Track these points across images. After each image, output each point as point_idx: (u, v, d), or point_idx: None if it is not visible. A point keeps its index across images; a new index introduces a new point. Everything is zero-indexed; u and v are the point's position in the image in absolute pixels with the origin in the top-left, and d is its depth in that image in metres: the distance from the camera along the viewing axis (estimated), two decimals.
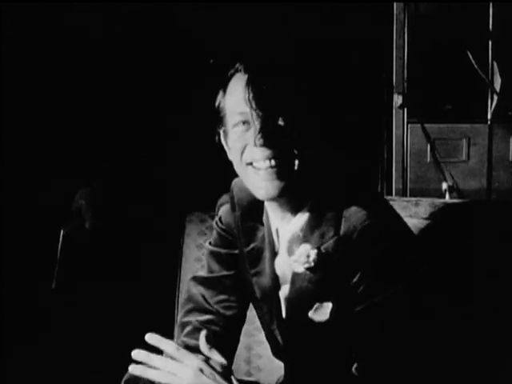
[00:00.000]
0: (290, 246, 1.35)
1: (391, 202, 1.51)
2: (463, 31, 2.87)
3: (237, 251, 1.49)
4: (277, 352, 1.51)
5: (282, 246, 1.38)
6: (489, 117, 2.93)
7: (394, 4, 2.91)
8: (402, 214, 1.42)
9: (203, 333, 1.29)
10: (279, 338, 1.45)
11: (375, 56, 2.85)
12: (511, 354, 1.51)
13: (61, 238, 2.15)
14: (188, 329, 1.50)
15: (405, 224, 1.35)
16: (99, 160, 2.47)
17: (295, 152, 1.28)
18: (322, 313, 1.31)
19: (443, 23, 2.88)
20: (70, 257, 2.19)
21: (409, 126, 2.94)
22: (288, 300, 1.38)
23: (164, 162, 2.59)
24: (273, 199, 1.32)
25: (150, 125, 2.59)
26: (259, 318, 1.53)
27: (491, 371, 1.52)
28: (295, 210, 1.35)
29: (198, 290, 1.54)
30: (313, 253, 1.30)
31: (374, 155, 2.91)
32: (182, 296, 1.67)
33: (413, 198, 1.70)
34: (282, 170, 1.28)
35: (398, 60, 2.92)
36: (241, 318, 1.55)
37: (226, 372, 1.24)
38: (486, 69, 2.88)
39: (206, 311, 1.51)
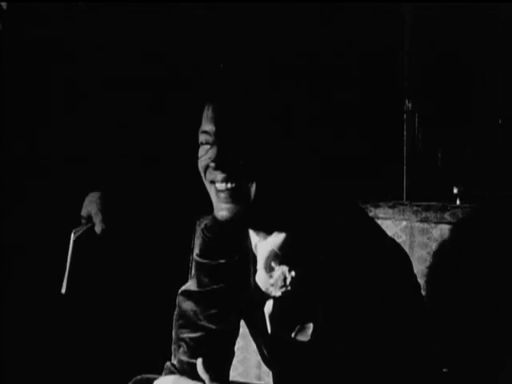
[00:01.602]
0: (268, 263, 1.33)
1: (402, 207, 1.51)
2: (474, 34, 2.86)
3: (223, 261, 1.48)
4: (265, 362, 1.52)
5: (259, 262, 1.37)
6: (500, 121, 2.92)
7: (405, 7, 2.90)
8: (413, 218, 1.42)
9: (200, 361, 1.29)
10: (265, 351, 1.45)
11: (385, 60, 2.84)
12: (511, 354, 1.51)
13: (71, 243, 2.15)
14: (184, 348, 1.50)
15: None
16: (109, 164, 2.47)
17: (254, 176, 1.26)
18: (303, 334, 1.29)
19: (454, 27, 2.87)
20: (80, 261, 2.19)
21: (420, 129, 2.93)
22: (272, 317, 1.37)
23: (174, 166, 2.59)
24: (231, 222, 1.30)
25: (159, 128, 2.58)
26: (248, 328, 1.53)
27: (492, 372, 1.51)
28: (268, 229, 1.33)
29: (188, 306, 1.52)
30: (289, 276, 1.28)
31: (384, 159, 2.90)
32: None
33: (423, 203, 1.70)
34: (239, 193, 1.26)
35: (409, 64, 2.91)
36: (235, 331, 1.54)
37: None
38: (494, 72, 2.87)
39: (198, 328, 1.49)
